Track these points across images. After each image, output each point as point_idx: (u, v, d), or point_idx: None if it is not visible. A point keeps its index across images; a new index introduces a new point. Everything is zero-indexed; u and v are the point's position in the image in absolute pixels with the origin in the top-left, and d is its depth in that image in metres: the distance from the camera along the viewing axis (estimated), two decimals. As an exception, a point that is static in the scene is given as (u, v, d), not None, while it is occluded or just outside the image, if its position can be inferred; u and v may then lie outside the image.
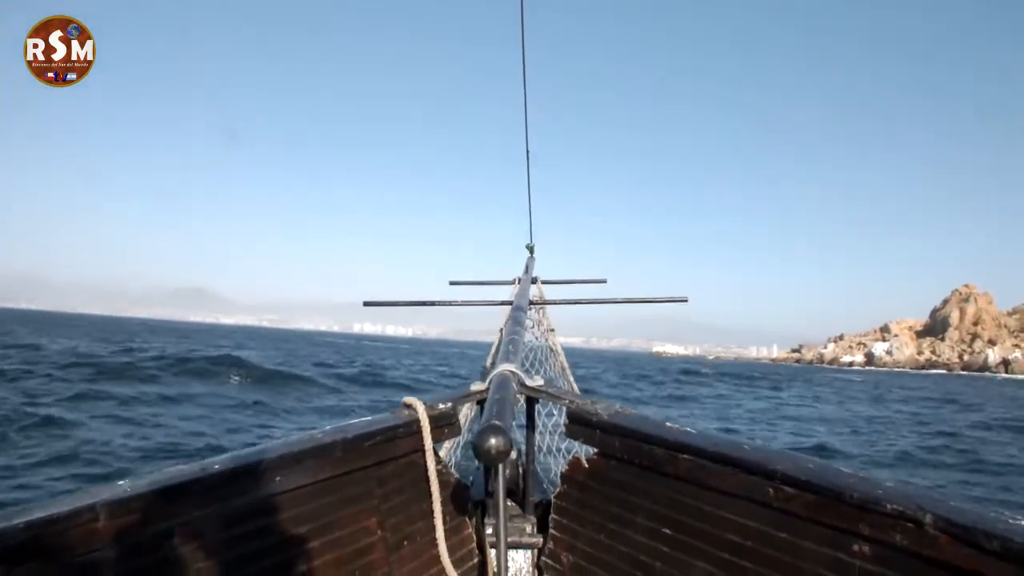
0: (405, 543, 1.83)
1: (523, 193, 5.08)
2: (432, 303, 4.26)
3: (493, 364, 2.26)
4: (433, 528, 1.82)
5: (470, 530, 2.01)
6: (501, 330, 3.48)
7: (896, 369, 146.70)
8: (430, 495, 1.83)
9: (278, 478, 1.56)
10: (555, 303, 4.32)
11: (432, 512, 1.83)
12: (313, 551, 1.61)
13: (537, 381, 2.02)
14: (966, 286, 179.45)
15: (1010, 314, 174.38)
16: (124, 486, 1.35)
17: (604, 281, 5.59)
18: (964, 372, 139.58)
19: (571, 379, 3.63)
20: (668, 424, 1.76)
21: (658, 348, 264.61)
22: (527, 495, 2.08)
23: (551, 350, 3.78)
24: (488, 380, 1.91)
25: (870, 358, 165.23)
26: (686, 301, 4.37)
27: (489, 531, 1.99)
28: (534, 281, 4.42)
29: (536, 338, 3.68)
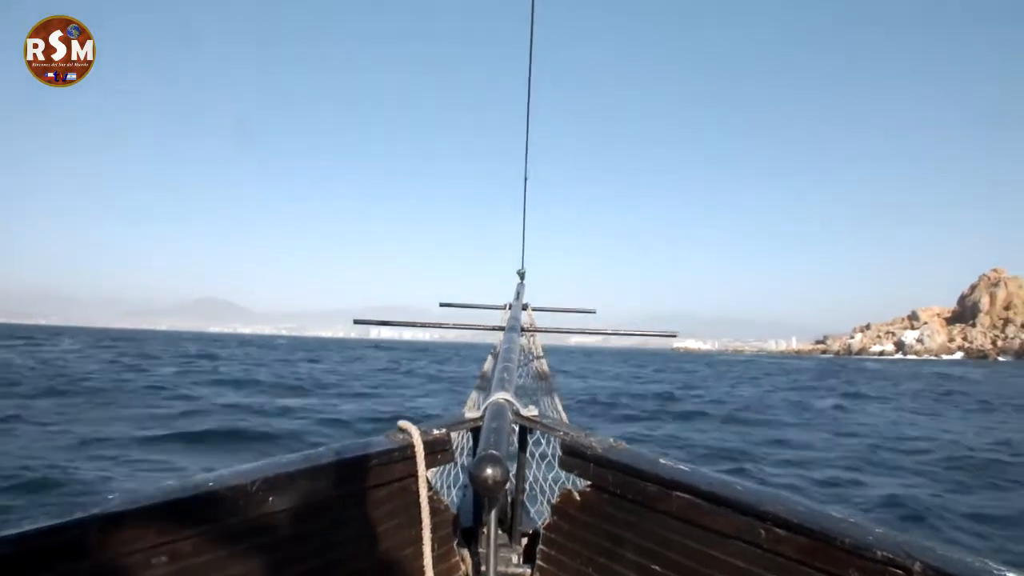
0: (393, 569, 1.80)
1: (518, 217, 5.13)
2: (423, 324, 4.23)
3: (484, 390, 2.16)
4: (421, 555, 1.76)
5: (457, 558, 1.96)
6: (491, 354, 3.47)
7: (930, 357, 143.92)
8: (420, 521, 1.78)
9: (271, 498, 1.51)
10: (545, 331, 4.30)
11: (421, 539, 1.77)
12: (302, 574, 1.59)
13: (532, 411, 2.00)
14: (995, 270, 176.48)
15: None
16: (115, 501, 1.31)
17: (593, 312, 5.60)
18: (1002, 358, 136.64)
19: (560, 407, 3.44)
20: (662, 461, 1.73)
21: (678, 344, 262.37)
22: (515, 525, 2.05)
23: (540, 378, 3.76)
24: (483, 408, 1.87)
25: (900, 346, 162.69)
26: (675, 336, 4.63)
27: (477, 560, 1.96)
28: (524, 307, 4.41)
29: (526, 365, 3.72)
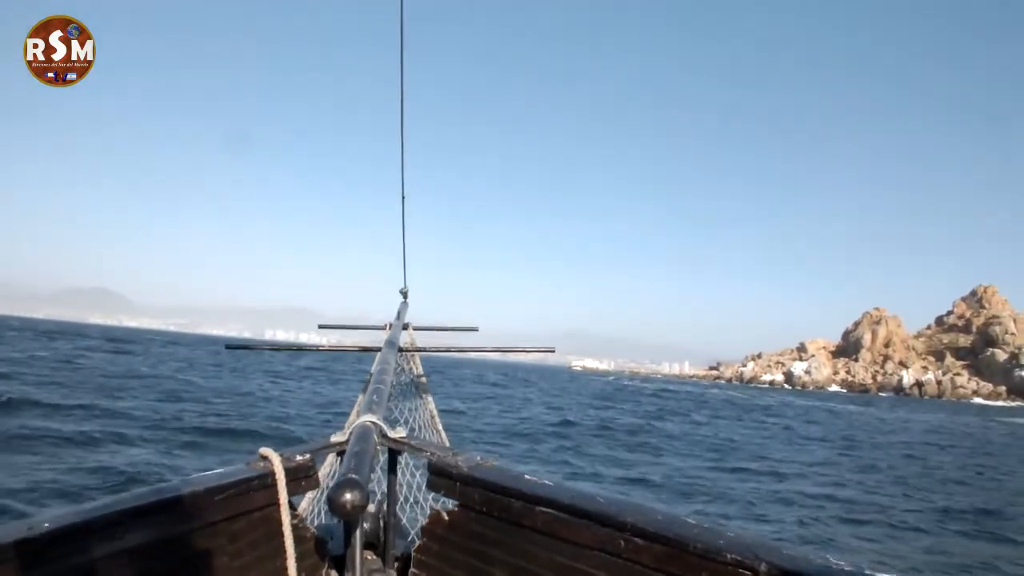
0: None
1: (410, 235, 5.14)
2: (299, 348, 4.44)
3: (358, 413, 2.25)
4: None
5: None
6: (370, 375, 3.51)
7: (814, 389, 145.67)
8: (284, 551, 1.75)
9: (118, 535, 1.42)
10: (425, 351, 4.34)
11: (286, 569, 1.75)
12: None
13: (399, 433, 2.00)
14: (877, 309, 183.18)
15: (916, 337, 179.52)
16: None
17: (476, 329, 5.46)
18: (883, 394, 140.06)
19: (440, 428, 3.47)
20: (527, 476, 1.77)
21: (576, 363, 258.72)
22: (387, 548, 2.07)
23: (420, 399, 3.72)
24: (349, 431, 1.87)
25: (789, 377, 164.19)
26: (553, 351, 4.59)
27: None
28: (405, 327, 4.40)
29: (404, 386, 3.70)
